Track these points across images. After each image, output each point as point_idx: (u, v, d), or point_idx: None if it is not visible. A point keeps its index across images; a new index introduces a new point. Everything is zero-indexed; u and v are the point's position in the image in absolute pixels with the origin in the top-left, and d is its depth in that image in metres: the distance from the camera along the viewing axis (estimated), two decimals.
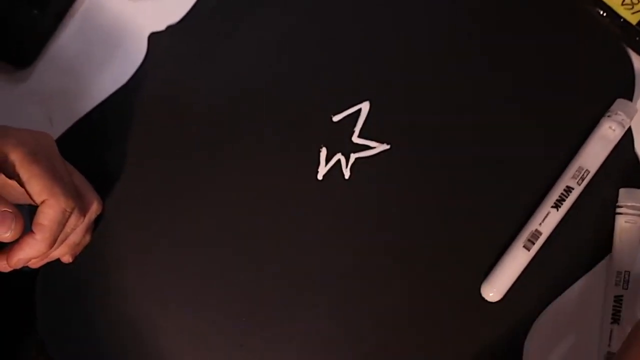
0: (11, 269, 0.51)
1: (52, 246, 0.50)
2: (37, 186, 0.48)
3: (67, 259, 0.57)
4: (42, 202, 0.49)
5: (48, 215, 0.49)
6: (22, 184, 0.49)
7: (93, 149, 0.62)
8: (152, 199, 0.61)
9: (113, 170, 0.61)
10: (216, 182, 0.61)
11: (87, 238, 0.59)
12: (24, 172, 0.48)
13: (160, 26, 0.64)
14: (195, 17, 0.64)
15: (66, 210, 0.50)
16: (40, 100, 0.63)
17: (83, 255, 0.59)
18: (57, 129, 0.62)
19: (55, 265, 0.58)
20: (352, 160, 0.60)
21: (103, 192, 0.59)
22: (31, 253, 0.50)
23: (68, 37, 0.64)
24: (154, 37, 0.64)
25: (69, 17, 0.64)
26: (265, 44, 0.63)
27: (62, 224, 0.50)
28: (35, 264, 0.55)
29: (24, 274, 0.62)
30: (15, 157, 0.48)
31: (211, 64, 0.63)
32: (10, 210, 0.46)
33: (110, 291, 0.60)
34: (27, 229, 0.49)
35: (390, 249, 0.59)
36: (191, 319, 0.59)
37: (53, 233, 0.50)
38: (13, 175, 0.49)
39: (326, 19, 0.63)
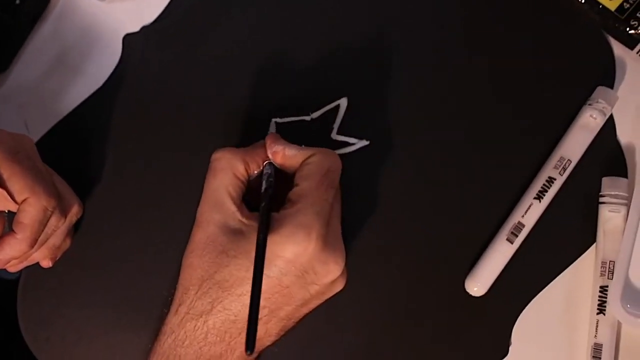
0: None
1: (33, 246, 0.50)
2: (18, 184, 0.48)
3: (46, 263, 0.57)
4: (23, 200, 0.49)
5: (29, 214, 0.49)
6: (1, 184, 0.48)
7: (70, 153, 0.61)
8: (131, 202, 0.60)
9: (91, 174, 0.61)
10: (196, 184, 0.60)
11: (67, 242, 0.58)
12: (4, 170, 0.48)
13: (135, 27, 0.63)
14: (169, 17, 0.63)
15: (47, 209, 0.50)
16: (16, 105, 0.62)
17: (63, 260, 0.59)
18: (34, 134, 0.61)
19: (36, 271, 0.58)
20: None
21: (81, 196, 0.58)
22: (12, 253, 0.50)
23: (43, 41, 0.63)
24: (128, 39, 0.63)
25: (42, 21, 0.64)
26: (240, 43, 0.62)
27: (43, 223, 0.50)
28: (14, 266, 0.54)
29: (5, 281, 0.62)
30: None
31: (186, 65, 0.62)
32: None
33: (92, 295, 0.59)
34: None
35: (372, 245, 0.59)
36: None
37: (34, 232, 0.50)
38: None
39: (302, 16, 0.62)
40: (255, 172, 0.51)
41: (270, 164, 0.52)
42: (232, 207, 0.49)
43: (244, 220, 0.49)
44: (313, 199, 0.48)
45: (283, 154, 0.51)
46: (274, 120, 0.61)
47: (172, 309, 0.49)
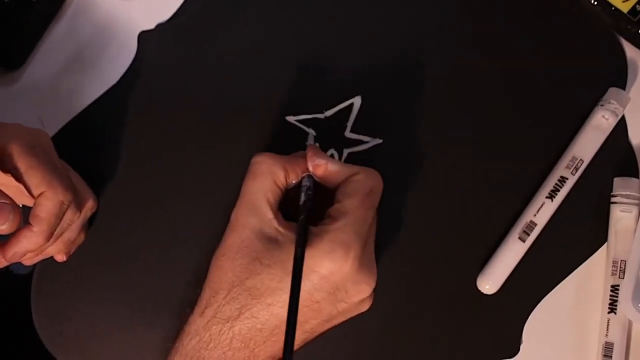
0: (7, 263, 0.51)
1: (49, 239, 0.50)
2: (35, 178, 0.48)
3: (61, 257, 0.57)
4: (40, 194, 0.49)
5: (46, 207, 0.49)
6: (19, 178, 0.49)
7: (84, 149, 0.62)
8: (145, 198, 0.61)
9: (105, 170, 0.61)
10: (209, 181, 0.60)
11: (82, 236, 0.58)
12: (22, 164, 0.48)
13: (150, 25, 0.64)
14: (185, 15, 0.64)
15: (63, 203, 0.50)
16: (31, 101, 0.63)
17: (77, 255, 0.59)
18: (48, 131, 0.62)
19: (50, 265, 0.58)
20: (345, 155, 0.60)
21: (95, 192, 0.59)
22: (28, 246, 0.50)
23: (58, 38, 0.64)
24: (144, 36, 0.63)
25: (58, 18, 0.64)
26: (255, 41, 0.63)
27: (59, 217, 0.50)
28: (30, 259, 0.55)
29: (18, 276, 0.62)
30: (14, 150, 0.48)
31: (201, 62, 0.62)
32: (7, 202, 0.46)
33: (105, 290, 0.60)
34: None
35: (384, 243, 0.59)
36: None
37: (50, 225, 0.50)
38: (10, 168, 0.49)
39: (317, 13, 0.63)
40: (294, 181, 0.51)
41: (310, 176, 0.51)
42: (269, 214, 0.49)
43: (280, 229, 0.48)
44: (354, 218, 0.48)
45: (325, 168, 0.51)
46: (311, 134, 0.61)
47: (198, 310, 0.49)
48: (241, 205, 0.50)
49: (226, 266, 0.49)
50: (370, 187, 0.50)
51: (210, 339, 0.48)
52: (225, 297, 0.48)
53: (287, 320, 0.42)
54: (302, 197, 0.50)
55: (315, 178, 0.51)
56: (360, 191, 0.49)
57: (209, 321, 0.48)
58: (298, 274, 0.43)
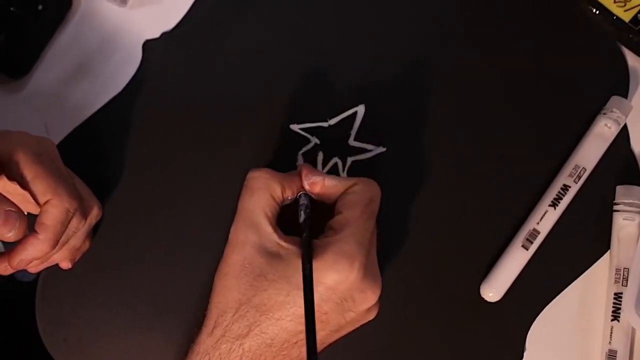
0: (13, 270, 0.51)
1: (55, 247, 0.50)
2: (41, 186, 0.49)
3: (66, 264, 0.57)
4: (46, 202, 0.49)
5: (52, 215, 0.49)
6: (24, 185, 0.49)
7: (89, 157, 0.62)
8: (149, 205, 0.61)
9: (110, 177, 0.61)
10: (213, 188, 0.61)
11: (87, 244, 0.59)
12: (28, 172, 0.48)
13: (155, 33, 0.64)
14: (189, 23, 0.64)
15: (69, 211, 0.50)
16: (36, 109, 0.63)
17: (81, 262, 0.59)
18: (54, 138, 0.62)
19: (54, 272, 0.58)
20: (348, 163, 0.60)
21: (100, 199, 0.59)
22: (34, 253, 0.50)
23: (63, 46, 0.64)
24: (148, 45, 0.64)
25: (64, 26, 0.64)
26: (258, 49, 0.63)
27: (65, 224, 0.51)
28: (35, 267, 0.55)
29: (22, 283, 0.62)
30: (20, 157, 0.48)
31: (206, 71, 0.63)
32: (13, 210, 0.46)
33: (109, 296, 0.60)
34: None
35: (388, 251, 0.59)
36: (189, 322, 0.59)
37: (56, 233, 0.50)
38: (16, 176, 0.49)
39: (320, 23, 0.63)
40: (289, 197, 0.51)
41: (306, 194, 0.52)
42: (269, 229, 0.49)
43: (281, 242, 0.49)
44: (356, 228, 0.48)
45: (322, 184, 0.51)
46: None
47: (206, 330, 0.49)
48: (239, 221, 0.50)
49: (231, 285, 0.49)
50: (370, 197, 0.50)
51: (220, 358, 0.48)
52: (234, 315, 0.48)
53: (306, 341, 0.42)
54: (302, 216, 0.50)
55: (312, 195, 0.52)
56: (360, 201, 0.50)
57: (218, 340, 0.48)
58: (310, 292, 0.44)
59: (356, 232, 0.48)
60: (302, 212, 0.50)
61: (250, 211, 0.50)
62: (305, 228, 0.48)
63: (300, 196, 0.52)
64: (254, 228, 0.49)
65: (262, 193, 0.50)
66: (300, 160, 0.60)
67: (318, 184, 0.51)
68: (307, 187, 0.52)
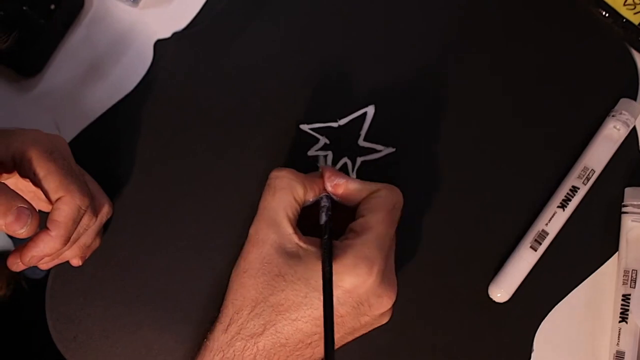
0: (24, 267, 0.51)
1: (66, 244, 0.51)
2: (53, 183, 0.49)
3: (76, 262, 0.58)
4: (58, 199, 0.49)
5: (63, 212, 0.49)
6: (37, 183, 0.49)
7: (100, 155, 0.62)
8: (160, 204, 0.61)
9: (120, 176, 0.61)
10: (223, 187, 0.61)
11: (98, 241, 0.59)
12: (40, 169, 0.49)
13: (166, 33, 0.64)
14: (200, 24, 0.64)
15: (81, 208, 0.50)
16: (48, 108, 0.63)
17: (92, 259, 0.59)
18: (65, 136, 0.62)
19: (64, 269, 0.59)
20: (358, 163, 0.61)
21: (111, 197, 0.59)
22: (45, 250, 0.50)
23: (75, 46, 0.65)
24: (160, 45, 0.64)
25: (76, 26, 0.65)
26: (269, 50, 0.63)
27: (77, 221, 0.51)
28: (46, 264, 0.55)
29: (32, 280, 0.63)
30: (33, 155, 0.49)
31: (217, 70, 0.63)
32: (26, 207, 0.46)
33: (119, 294, 0.60)
34: None
35: (396, 251, 0.59)
36: (199, 320, 0.59)
37: (68, 230, 0.50)
38: (28, 173, 0.49)
39: (330, 23, 0.64)
40: (311, 199, 0.51)
41: (328, 196, 0.52)
42: (289, 229, 0.49)
43: (300, 244, 0.49)
44: (377, 233, 0.48)
45: (346, 187, 0.51)
46: (322, 140, 0.61)
47: (220, 327, 0.50)
48: (260, 220, 0.50)
49: (249, 283, 0.49)
50: (393, 203, 0.50)
51: (234, 355, 0.48)
52: (250, 313, 0.48)
53: (324, 345, 0.42)
54: (323, 217, 0.50)
55: (334, 197, 0.52)
56: (384, 207, 0.50)
57: (233, 337, 0.48)
58: (329, 295, 0.44)
59: (378, 236, 0.48)
60: (323, 214, 0.50)
61: (271, 210, 0.50)
62: (326, 230, 0.48)
63: (322, 197, 0.52)
64: (275, 227, 0.49)
65: (285, 193, 0.50)
66: (321, 161, 0.60)
67: (341, 186, 0.51)
68: (329, 188, 0.52)
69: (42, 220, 0.49)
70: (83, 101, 0.64)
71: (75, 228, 0.51)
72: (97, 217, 0.55)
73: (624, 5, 0.62)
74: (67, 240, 0.51)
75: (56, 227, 0.50)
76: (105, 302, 0.60)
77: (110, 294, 0.60)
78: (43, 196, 0.50)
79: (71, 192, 0.50)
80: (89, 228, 0.55)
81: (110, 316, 0.60)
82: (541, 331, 0.59)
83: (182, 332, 0.59)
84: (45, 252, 0.50)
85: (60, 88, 0.64)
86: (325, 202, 0.51)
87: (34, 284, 0.62)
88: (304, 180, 0.51)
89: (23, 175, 0.50)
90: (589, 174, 0.58)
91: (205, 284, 0.60)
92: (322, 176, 0.52)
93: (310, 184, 0.51)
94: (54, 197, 0.49)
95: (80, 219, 0.52)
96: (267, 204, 0.50)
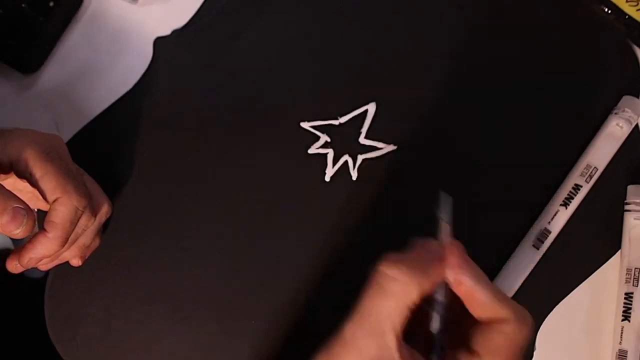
0: (23, 269, 0.51)
1: (64, 245, 0.51)
2: (50, 183, 0.49)
3: (76, 262, 0.57)
4: (55, 200, 0.49)
5: (60, 213, 0.49)
6: (34, 183, 0.49)
7: (100, 154, 0.62)
8: (159, 202, 0.61)
9: (120, 174, 0.61)
10: (223, 185, 0.61)
11: (97, 241, 0.59)
12: (37, 170, 0.49)
13: (166, 31, 0.64)
14: (200, 21, 0.64)
15: (78, 209, 0.50)
16: (47, 106, 0.63)
17: (91, 259, 0.59)
18: (64, 135, 0.62)
19: (64, 269, 0.58)
20: (359, 161, 0.60)
21: (110, 196, 0.59)
22: (43, 251, 0.50)
23: (74, 43, 0.64)
24: (159, 42, 0.64)
25: (74, 23, 0.64)
26: (270, 47, 0.63)
27: (74, 222, 0.51)
28: (45, 265, 0.55)
29: (31, 280, 0.63)
30: (29, 156, 0.48)
31: (217, 68, 0.63)
32: (22, 207, 0.46)
33: (119, 294, 0.60)
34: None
35: (398, 249, 0.59)
36: (199, 320, 0.59)
37: (65, 231, 0.50)
38: (25, 173, 0.49)
39: (331, 21, 0.63)
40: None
41: (446, 288, 0.42)
42: (393, 344, 0.41)
43: None
44: None
45: (469, 290, 0.42)
46: (444, 226, 0.50)
47: None
48: (362, 324, 0.43)
49: None
50: (520, 345, 0.41)
51: None
52: None
53: None
54: (436, 322, 0.42)
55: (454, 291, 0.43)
56: (507, 350, 0.41)
57: None
58: None
59: None
60: (435, 314, 0.42)
61: (377, 317, 0.42)
62: (437, 346, 0.41)
63: (436, 290, 0.42)
64: (377, 338, 0.42)
65: (397, 300, 0.41)
66: (444, 230, 0.48)
67: (466, 289, 0.42)
68: (450, 279, 0.43)
69: (42, 220, 0.49)
70: (82, 99, 0.63)
71: (73, 229, 0.51)
72: (95, 217, 0.55)
73: (627, 2, 0.61)
74: (64, 242, 0.50)
75: (53, 228, 0.49)
76: (105, 302, 0.60)
77: (110, 294, 0.60)
78: (42, 197, 0.50)
79: (68, 192, 0.49)
80: (88, 228, 0.54)
81: (110, 316, 0.60)
82: (543, 330, 0.58)
83: (182, 332, 0.59)
84: (43, 254, 0.50)
85: (59, 86, 0.64)
86: (439, 296, 0.42)
87: (34, 284, 0.62)
88: (421, 280, 0.42)
89: (20, 176, 0.50)
90: (591, 172, 0.58)
91: (205, 283, 0.59)
92: (442, 258, 0.44)
93: (428, 280, 0.42)
94: (50, 198, 0.49)
95: (78, 220, 0.51)
96: (374, 309, 0.42)
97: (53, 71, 0.64)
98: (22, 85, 0.64)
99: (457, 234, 0.59)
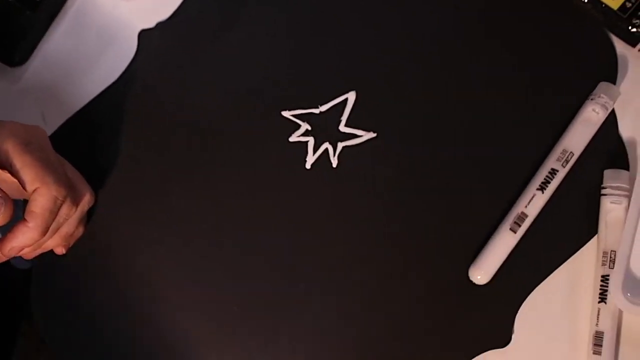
0: (5, 258, 0.52)
1: (45, 234, 0.52)
2: (29, 175, 0.50)
3: (60, 250, 0.58)
4: (34, 190, 0.50)
5: (39, 203, 0.50)
6: (14, 174, 0.50)
7: (85, 145, 0.63)
8: (144, 192, 0.62)
9: (105, 165, 0.62)
10: (207, 175, 0.61)
11: (80, 230, 0.59)
12: (16, 161, 0.49)
13: (151, 23, 0.65)
14: (184, 13, 0.65)
15: (57, 198, 0.51)
16: (33, 98, 0.64)
17: (76, 248, 0.60)
18: (50, 126, 0.63)
19: (50, 259, 0.59)
20: (339, 148, 0.61)
21: (96, 187, 0.60)
22: (24, 241, 0.51)
23: (60, 36, 0.65)
24: (144, 34, 0.65)
25: (61, 16, 0.65)
26: (253, 38, 0.64)
27: (54, 212, 0.52)
28: (28, 254, 0.56)
29: (19, 269, 0.63)
30: (9, 147, 0.49)
31: (201, 60, 0.64)
32: None
33: (104, 283, 0.61)
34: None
35: (378, 235, 0.60)
36: (183, 312, 0.60)
37: (45, 220, 0.51)
38: (5, 165, 0.50)
39: (312, 10, 0.64)
40: None
41: None
42: None
43: None
44: None
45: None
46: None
47: None
48: None
49: None
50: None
51: None
52: None
53: None
54: None
55: None
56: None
57: None
58: None
59: None
60: None
61: None
62: None
63: None
64: None
65: None
66: None
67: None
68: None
69: None
70: (68, 91, 0.64)
71: (54, 218, 0.52)
72: (77, 206, 0.55)
73: None
74: (45, 231, 0.51)
75: (33, 218, 0.50)
76: (90, 291, 0.61)
77: (95, 282, 0.61)
78: (22, 187, 0.50)
79: (47, 183, 0.50)
80: (70, 217, 0.55)
81: (95, 304, 0.61)
82: (521, 313, 0.59)
83: (167, 320, 0.60)
84: (24, 243, 0.51)
85: (45, 78, 0.65)
86: None
87: (21, 274, 0.63)
88: None
89: (0, 167, 0.50)
90: (567, 157, 0.59)
91: (188, 272, 0.60)
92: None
93: None
94: (30, 188, 0.50)
95: (59, 209, 0.52)
96: None
97: (40, 64, 0.65)
98: (10, 77, 0.65)
99: (435, 219, 0.60)
